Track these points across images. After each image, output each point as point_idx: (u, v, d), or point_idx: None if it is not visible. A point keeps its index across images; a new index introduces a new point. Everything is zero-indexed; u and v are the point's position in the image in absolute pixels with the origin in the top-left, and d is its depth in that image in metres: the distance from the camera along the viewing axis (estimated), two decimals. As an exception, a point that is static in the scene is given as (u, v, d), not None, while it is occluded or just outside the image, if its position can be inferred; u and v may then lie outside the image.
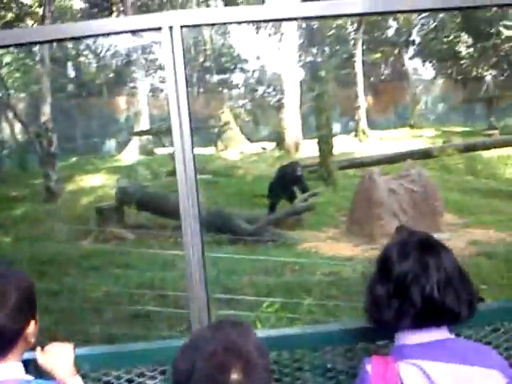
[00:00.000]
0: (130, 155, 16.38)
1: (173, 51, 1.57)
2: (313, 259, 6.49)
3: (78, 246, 7.70)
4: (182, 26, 1.56)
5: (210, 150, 16.35)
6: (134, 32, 1.66)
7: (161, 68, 25.12)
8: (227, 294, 5.10)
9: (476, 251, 6.48)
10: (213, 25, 1.67)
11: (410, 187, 7.61)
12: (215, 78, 28.96)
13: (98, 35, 1.81)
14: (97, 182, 11.80)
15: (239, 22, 1.69)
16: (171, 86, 1.59)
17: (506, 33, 22.86)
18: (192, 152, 1.59)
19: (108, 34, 1.71)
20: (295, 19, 1.77)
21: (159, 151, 15.71)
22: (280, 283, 5.68)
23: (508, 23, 22.91)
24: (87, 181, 12.06)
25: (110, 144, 20.76)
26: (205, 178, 10.99)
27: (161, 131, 13.13)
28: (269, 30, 22.81)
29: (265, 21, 1.66)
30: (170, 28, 1.55)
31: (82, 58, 24.28)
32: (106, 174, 12.48)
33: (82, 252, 7.27)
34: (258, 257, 6.54)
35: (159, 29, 1.57)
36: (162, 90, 24.29)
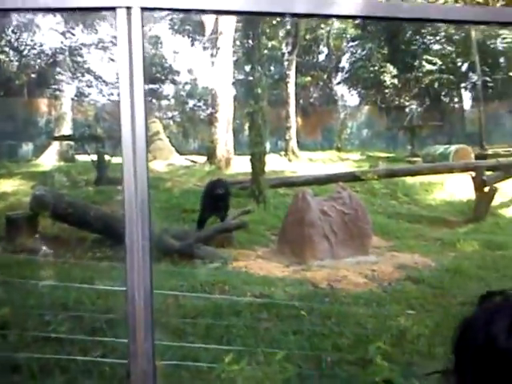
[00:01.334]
0: (49, 161, 15.33)
1: (129, 39, 1.22)
2: (243, 279, 6.24)
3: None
4: (142, 8, 1.21)
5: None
6: (80, 10, 1.28)
7: (88, 72, 24.06)
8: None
9: (403, 276, 6.55)
10: (181, 11, 1.31)
11: (342, 209, 7.62)
12: (145, 87, 28.22)
13: (35, 9, 1.44)
14: (9, 188, 10.82)
15: (213, 11, 1.36)
16: (124, 82, 1.26)
17: (428, 66, 24.33)
18: (146, 165, 1.27)
19: (49, 10, 1.34)
20: (269, 14, 1.51)
21: (80, 158, 14.86)
22: (208, 304, 5.36)
23: (429, 58, 24.43)
24: (-1, 186, 11.06)
25: (27, 148, 19.43)
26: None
27: (84, 137, 12.40)
28: (204, 44, 22.66)
29: (239, 13, 1.37)
30: (128, 9, 1.20)
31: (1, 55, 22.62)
32: (21, 180, 11.50)
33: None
34: (185, 276, 6.21)
35: (113, 9, 1.21)
36: (88, 95, 23.25)
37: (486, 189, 9.70)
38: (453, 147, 14.34)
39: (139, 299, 1.28)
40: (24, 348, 4.26)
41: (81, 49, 23.38)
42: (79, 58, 23.87)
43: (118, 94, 1.29)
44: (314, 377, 4.08)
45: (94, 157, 11.86)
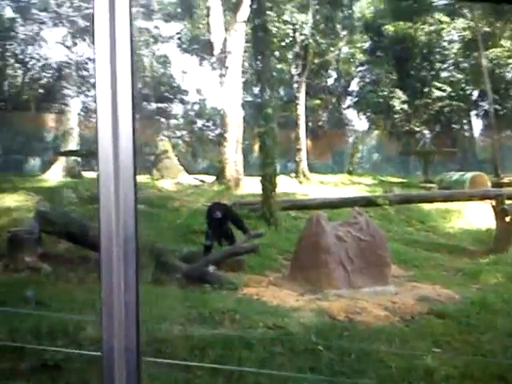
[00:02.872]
0: (54, 176, 15.05)
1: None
2: (255, 308, 5.84)
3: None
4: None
5: (143, 178, 15.45)
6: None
7: (95, 87, 23.96)
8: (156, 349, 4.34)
9: (426, 309, 6.12)
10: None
11: (358, 235, 7.23)
12: (153, 105, 28.24)
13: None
14: (13, 203, 10.49)
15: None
16: (102, 73, 0.94)
17: (437, 93, 24.18)
18: (134, 178, 0.96)
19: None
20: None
21: (87, 174, 14.62)
22: (218, 336, 4.96)
23: (438, 84, 24.31)
24: (2, 200, 10.70)
25: (34, 162, 19.23)
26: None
27: (91, 153, 12.15)
28: (212, 63, 22.58)
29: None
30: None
31: (5, 66, 22.58)
32: (25, 195, 11.19)
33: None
34: (193, 301, 5.83)
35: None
36: (95, 110, 23.12)
37: (508, 218, 9.29)
38: (469, 174, 13.99)
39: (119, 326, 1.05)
40: (18, 375, 3.91)
41: (87, 63, 23.35)
42: (85, 73, 23.84)
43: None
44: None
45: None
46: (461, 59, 25.15)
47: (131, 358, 1.08)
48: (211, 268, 7.01)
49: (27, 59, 23.05)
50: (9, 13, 21.81)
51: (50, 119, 21.04)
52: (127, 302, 1.06)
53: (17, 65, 23.03)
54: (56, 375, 3.95)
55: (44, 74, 23.57)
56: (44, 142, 20.13)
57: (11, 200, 10.76)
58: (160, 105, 28.35)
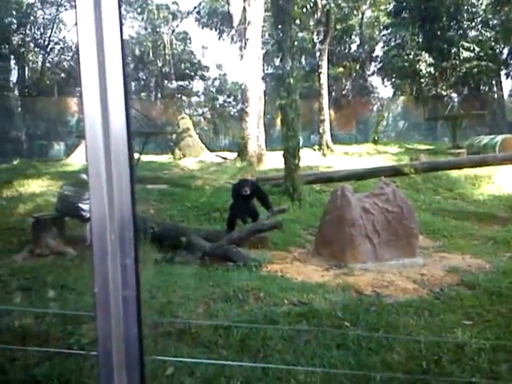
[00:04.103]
0: (78, 160, 15.19)
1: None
2: (279, 285, 5.76)
3: (8, 261, 6.67)
4: None
5: (165, 158, 15.44)
6: None
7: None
8: (179, 325, 4.31)
9: (456, 280, 5.92)
10: None
11: (385, 207, 7.01)
12: (174, 84, 28.12)
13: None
14: (38, 189, 10.63)
15: None
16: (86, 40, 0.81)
17: (465, 54, 23.26)
18: (129, 155, 0.84)
19: None
20: None
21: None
22: (242, 314, 4.90)
23: (467, 44, 23.34)
24: (27, 186, 10.86)
25: (57, 147, 19.44)
26: (158, 188, 10.09)
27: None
28: (232, 36, 22.23)
29: None
30: None
31: (27, 52, 22.70)
32: (50, 180, 11.31)
33: (12, 268, 6.26)
34: (216, 280, 5.78)
35: None
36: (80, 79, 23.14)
37: (542, 182, 8.89)
38: (499, 137, 13.43)
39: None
40: (44, 361, 3.94)
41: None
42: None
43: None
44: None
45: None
46: (490, 16, 24.04)
47: (133, 358, 0.98)
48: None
49: (47, 43, 23.15)
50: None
51: (73, 103, 21.18)
52: (126, 298, 0.96)
53: (37, 49, 23.17)
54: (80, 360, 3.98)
55: (64, 57, 23.68)
56: (67, 127, 20.31)
57: (36, 185, 10.91)
58: (181, 83, 28.22)
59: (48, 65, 23.32)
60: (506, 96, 25.79)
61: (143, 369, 0.99)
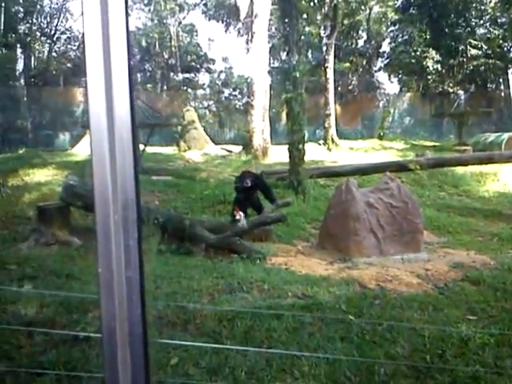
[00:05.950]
0: (83, 150, 15.21)
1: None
2: (283, 277, 5.76)
3: (13, 249, 6.69)
4: None
5: (170, 150, 15.43)
6: None
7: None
8: (182, 318, 4.32)
9: (460, 275, 5.92)
10: None
11: (390, 202, 7.00)
12: (180, 76, 28.09)
13: None
14: (43, 178, 10.66)
15: None
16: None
17: (473, 51, 23.12)
18: (133, 136, 0.84)
19: None
20: None
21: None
22: (246, 306, 4.90)
23: (474, 42, 23.18)
24: (32, 175, 10.89)
25: (63, 137, 19.47)
26: (163, 179, 10.09)
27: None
28: (239, 29, 22.14)
29: None
30: None
31: (33, 41, 22.66)
32: (55, 170, 11.34)
33: (17, 257, 6.28)
34: (220, 272, 5.79)
35: None
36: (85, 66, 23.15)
37: (548, 180, 8.87)
38: (505, 135, 13.38)
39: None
40: (50, 349, 3.96)
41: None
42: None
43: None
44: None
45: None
46: (498, 14, 23.86)
47: (136, 337, 0.98)
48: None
49: (53, 33, 23.14)
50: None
51: (79, 93, 21.17)
52: (129, 278, 0.95)
53: (43, 38, 23.15)
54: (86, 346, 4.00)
55: (70, 47, 23.67)
56: (73, 117, 20.32)
57: (42, 175, 10.93)
58: (187, 75, 28.17)
59: (54, 54, 23.31)
60: (513, 94, 25.65)
61: (147, 348, 0.99)
